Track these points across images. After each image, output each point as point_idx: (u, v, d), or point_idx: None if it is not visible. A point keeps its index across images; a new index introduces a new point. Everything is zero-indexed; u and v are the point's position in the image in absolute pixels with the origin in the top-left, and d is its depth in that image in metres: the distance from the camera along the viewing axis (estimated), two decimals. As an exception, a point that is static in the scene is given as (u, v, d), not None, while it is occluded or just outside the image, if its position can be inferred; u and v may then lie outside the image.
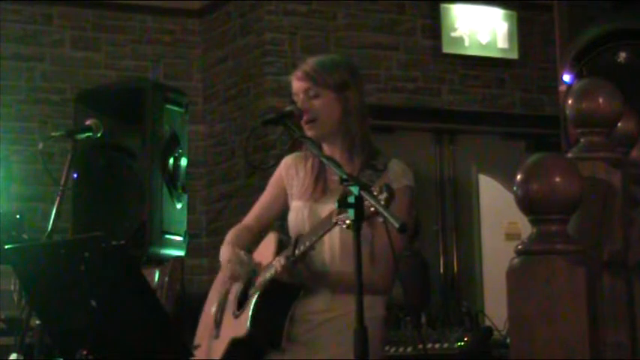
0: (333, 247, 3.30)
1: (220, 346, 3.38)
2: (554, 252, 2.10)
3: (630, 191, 2.48)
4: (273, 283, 3.25)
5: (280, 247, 3.30)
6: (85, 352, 3.11)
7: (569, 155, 2.46)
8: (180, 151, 4.49)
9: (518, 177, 2.15)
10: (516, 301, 2.11)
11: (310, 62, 3.38)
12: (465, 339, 5.39)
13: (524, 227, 7.28)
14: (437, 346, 5.40)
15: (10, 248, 3.37)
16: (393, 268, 3.27)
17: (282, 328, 3.26)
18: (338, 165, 3.09)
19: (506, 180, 7.95)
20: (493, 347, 5.46)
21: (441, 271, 7.91)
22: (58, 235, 3.89)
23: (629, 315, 2.31)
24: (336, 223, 2.99)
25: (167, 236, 4.40)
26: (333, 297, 3.29)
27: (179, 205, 4.48)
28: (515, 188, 2.16)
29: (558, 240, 2.12)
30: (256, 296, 3.29)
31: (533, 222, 2.16)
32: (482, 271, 8.05)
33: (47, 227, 3.82)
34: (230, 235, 3.51)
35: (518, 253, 2.15)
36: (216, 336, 3.45)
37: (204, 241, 7.88)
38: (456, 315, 6.77)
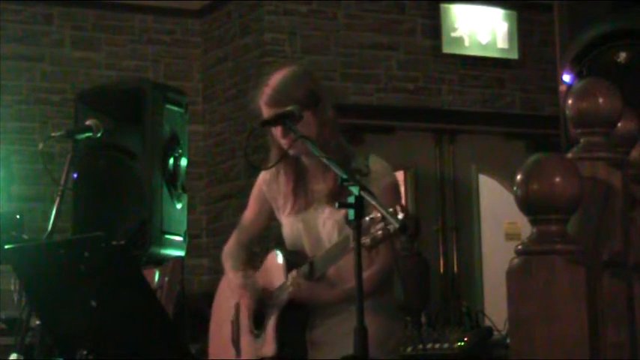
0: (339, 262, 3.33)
1: None
2: (554, 252, 2.10)
3: (630, 191, 2.48)
4: (290, 304, 3.33)
5: (288, 266, 3.35)
6: (85, 352, 3.11)
7: (569, 155, 2.46)
8: (180, 151, 4.48)
9: (518, 177, 2.15)
10: (516, 301, 2.11)
11: (273, 85, 3.34)
12: (465, 339, 5.38)
13: (524, 227, 7.28)
14: (437, 346, 5.40)
15: (10, 248, 3.37)
16: (386, 271, 3.32)
17: (304, 341, 3.35)
18: (338, 164, 3.11)
19: (506, 180, 7.96)
20: (493, 347, 5.46)
21: (441, 271, 7.91)
22: (58, 235, 3.89)
23: (629, 315, 2.31)
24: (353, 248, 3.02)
25: (167, 236, 4.40)
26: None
27: (179, 205, 4.47)
28: (515, 188, 2.16)
29: (558, 240, 2.12)
30: (275, 318, 3.37)
31: (533, 222, 2.16)
32: (483, 271, 8.05)
33: (47, 227, 3.82)
34: (229, 260, 3.60)
35: (518, 253, 2.14)
36: (237, 354, 3.49)
37: (204, 241, 7.89)
38: (456, 315, 6.77)
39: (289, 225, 3.45)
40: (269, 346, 3.34)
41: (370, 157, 3.39)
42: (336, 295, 3.33)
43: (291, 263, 3.35)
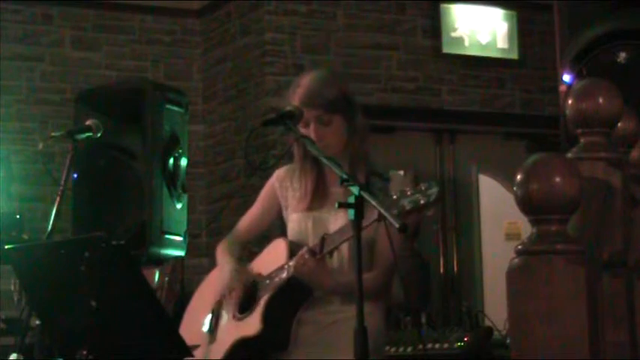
0: (342, 256, 3.32)
1: (220, 349, 3.39)
2: (554, 252, 2.10)
3: (630, 191, 2.48)
4: (289, 283, 3.28)
5: (292, 253, 3.32)
6: (85, 352, 3.12)
7: (569, 155, 2.46)
8: (180, 151, 4.49)
9: (518, 177, 2.15)
10: (516, 301, 2.11)
11: (306, 85, 3.34)
12: (465, 339, 5.38)
13: (524, 227, 7.27)
14: (437, 346, 5.39)
15: (10, 248, 3.37)
16: (389, 274, 3.32)
17: (289, 330, 3.30)
18: (338, 164, 3.10)
19: (506, 180, 7.95)
20: (493, 347, 5.46)
21: (441, 271, 7.91)
22: (58, 235, 3.89)
23: (629, 315, 2.31)
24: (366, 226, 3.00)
25: (167, 236, 4.41)
26: (342, 300, 3.31)
27: (179, 205, 4.48)
28: (515, 188, 2.16)
29: (558, 240, 2.12)
30: (268, 296, 3.32)
31: (533, 222, 2.16)
32: (483, 271, 8.05)
33: (47, 227, 3.82)
34: (223, 247, 3.57)
35: (518, 253, 2.15)
36: (212, 341, 3.46)
37: (204, 241, 7.88)
38: (456, 315, 6.77)
39: (297, 221, 3.43)
40: (253, 326, 3.30)
41: (389, 171, 3.44)
42: (337, 284, 3.28)
43: (294, 250, 3.32)
